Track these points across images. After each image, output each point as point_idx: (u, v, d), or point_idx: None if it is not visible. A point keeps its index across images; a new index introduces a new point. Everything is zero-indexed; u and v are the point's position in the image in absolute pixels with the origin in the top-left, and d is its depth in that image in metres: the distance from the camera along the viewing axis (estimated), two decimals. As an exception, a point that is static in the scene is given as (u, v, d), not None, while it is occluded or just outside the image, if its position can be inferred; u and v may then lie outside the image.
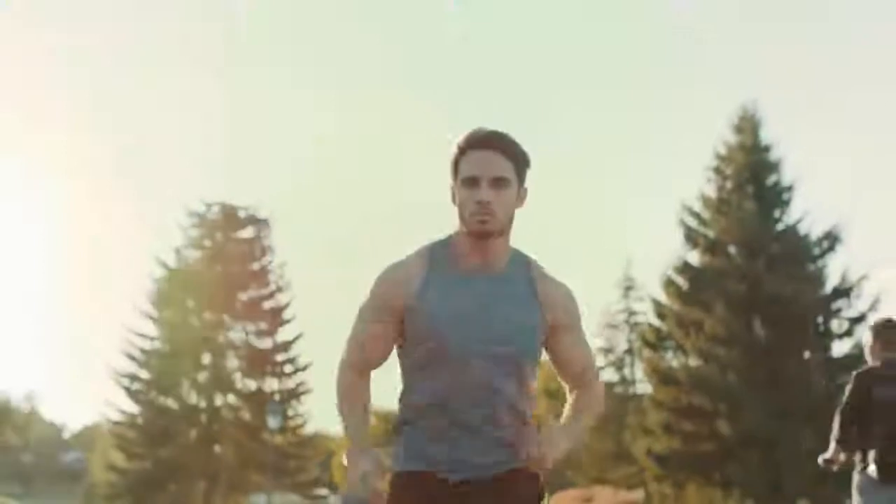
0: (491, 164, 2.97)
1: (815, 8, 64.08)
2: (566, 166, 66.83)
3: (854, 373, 6.27)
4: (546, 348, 3.13)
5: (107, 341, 66.29)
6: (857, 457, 6.06)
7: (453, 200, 3.06)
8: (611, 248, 64.94)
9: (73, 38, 69.73)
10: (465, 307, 2.99)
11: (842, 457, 6.06)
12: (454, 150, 3.05)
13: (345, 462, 3.02)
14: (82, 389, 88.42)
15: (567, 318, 3.10)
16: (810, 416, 27.31)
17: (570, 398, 3.21)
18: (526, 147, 3.09)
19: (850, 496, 6.18)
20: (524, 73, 74.94)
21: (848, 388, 6.13)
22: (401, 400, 3.12)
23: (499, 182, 2.97)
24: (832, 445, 6.10)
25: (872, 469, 5.95)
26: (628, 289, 40.49)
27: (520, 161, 3.03)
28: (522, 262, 3.09)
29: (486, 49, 77.48)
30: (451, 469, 3.00)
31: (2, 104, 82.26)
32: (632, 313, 40.24)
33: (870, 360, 6.24)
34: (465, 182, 2.98)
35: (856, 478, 6.10)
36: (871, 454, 5.97)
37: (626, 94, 69.66)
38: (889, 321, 6.14)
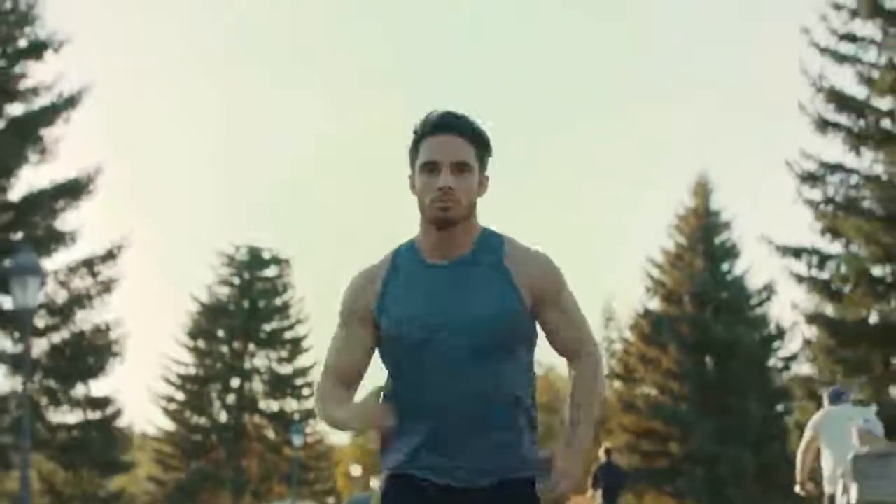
0: (451, 149, 2.94)
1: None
2: (557, 195, 74.59)
3: (598, 466, 15.61)
4: (543, 329, 3.08)
5: (141, 366, 74.41)
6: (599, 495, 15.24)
7: (412, 189, 3.02)
8: (595, 281, 72.78)
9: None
10: (427, 301, 2.97)
11: (596, 495, 15.19)
12: (412, 135, 3.02)
13: (352, 424, 2.96)
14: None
15: (548, 289, 3.02)
16: (749, 439, 35.63)
17: (569, 375, 3.16)
18: (490, 133, 3.04)
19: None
20: (526, 83, 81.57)
21: (593, 471, 15.19)
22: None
23: (460, 167, 2.94)
24: (590, 491, 15.21)
25: (600, 500, 14.92)
26: (608, 320, 48.89)
27: (481, 145, 3.00)
28: (492, 242, 3.04)
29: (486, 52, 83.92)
30: (441, 474, 2.98)
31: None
32: (611, 342, 48.48)
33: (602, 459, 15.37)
34: (425, 168, 2.95)
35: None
36: (600, 493, 15.41)
37: (621, 119, 77.36)
38: (608, 449, 15.34)
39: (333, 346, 3.12)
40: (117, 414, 25.29)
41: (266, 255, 46.11)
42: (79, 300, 24.41)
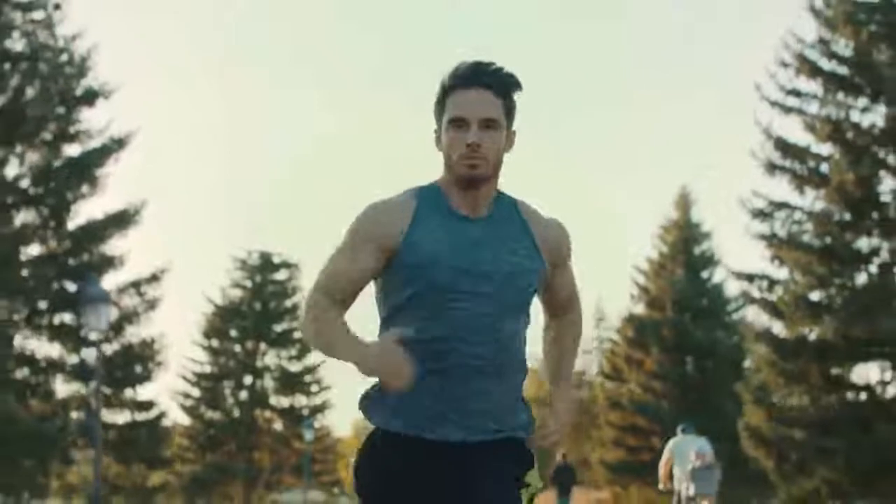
0: (480, 104, 3.03)
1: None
2: (549, 200, 78.80)
3: (555, 466, 20.62)
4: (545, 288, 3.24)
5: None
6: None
7: (437, 145, 3.12)
8: (587, 284, 77.33)
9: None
10: (460, 246, 3.05)
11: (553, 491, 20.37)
12: (438, 88, 3.11)
13: (362, 369, 2.93)
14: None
15: (562, 255, 3.23)
16: (724, 434, 40.39)
17: (551, 325, 3.35)
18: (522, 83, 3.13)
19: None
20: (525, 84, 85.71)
21: (550, 472, 20.20)
22: None
23: (488, 123, 3.03)
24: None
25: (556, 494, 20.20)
26: (599, 320, 53.81)
27: (510, 98, 3.11)
28: (509, 203, 3.17)
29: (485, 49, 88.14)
30: (435, 423, 3.04)
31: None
32: (602, 341, 53.40)
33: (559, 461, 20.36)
34: (452, 123, 3.04)
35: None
36: (559, 488, 20.36)
37: (622, 114, 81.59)
38: (564, 453, 20.28)
39: (336, 265, 3.12)
40: (161, 415, 30.33)
41: (276, 260, 49.98)
42: (127, 317, 29.29)
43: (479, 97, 3.04)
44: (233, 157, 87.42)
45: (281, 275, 50.34)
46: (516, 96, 3.13)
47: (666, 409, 41.86)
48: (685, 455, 15.63)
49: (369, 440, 3.17)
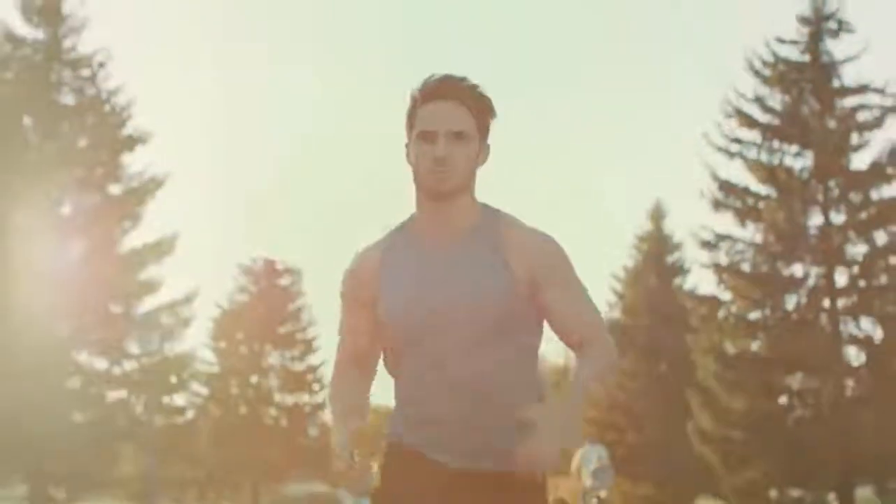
0: (449, 117, 3.08)
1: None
2: (540, 208, 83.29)
3: None
4: (543, 314, 3.22)
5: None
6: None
7: (407, 159, 3.17)
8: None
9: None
10: (419, 287, 3.14)
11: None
12: (409, 100, 3.15)
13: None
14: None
15: (544, 270, 3.15)
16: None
17: (577, 361, 3.30)
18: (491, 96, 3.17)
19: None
20: (528, 83, 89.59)
21: None
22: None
23: (458, 136, 3.08)
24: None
25: None
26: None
27: (482, 112, 3.14)
28: (491, 220, 3.19)
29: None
30: (444, 453, 3.15)
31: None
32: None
33: None
34: (421, 137, 3.10)
35: None
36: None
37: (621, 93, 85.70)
38: None
39: (340, 329, 3.38)
40: (193, 419, 36.48)
41: (280, 266, 55.15)
42: (164, 334, 35.35)
43: (449, 110, 3.11)
44: (234, 171, 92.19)
45: (284, 280, 55.18)
46: (489, 117, 3.18)
47: (641, 407, 47.93)
48: (590, 459, 21.58)
49: (387, 449, 3.33)
